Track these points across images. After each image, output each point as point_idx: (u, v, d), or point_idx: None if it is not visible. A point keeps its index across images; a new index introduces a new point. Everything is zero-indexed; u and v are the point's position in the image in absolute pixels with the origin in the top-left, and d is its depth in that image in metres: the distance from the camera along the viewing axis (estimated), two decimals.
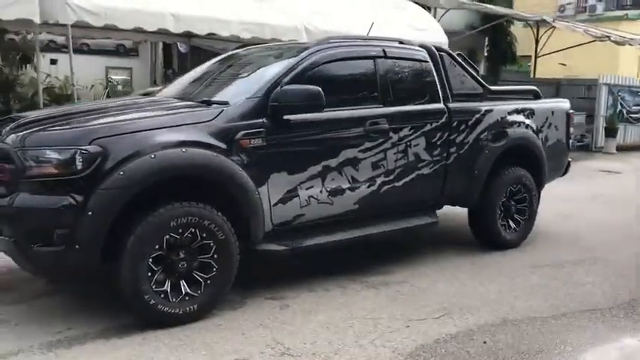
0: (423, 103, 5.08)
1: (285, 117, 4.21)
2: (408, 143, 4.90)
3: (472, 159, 5.38)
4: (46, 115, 4.03)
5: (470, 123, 5.35)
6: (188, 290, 3.82)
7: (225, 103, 4.15)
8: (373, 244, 5.76)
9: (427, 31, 12.77)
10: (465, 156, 5.32)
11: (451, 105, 5.25)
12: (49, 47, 13.47)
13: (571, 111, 6.36)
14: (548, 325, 3.98)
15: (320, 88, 4.17)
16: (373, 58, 4.84)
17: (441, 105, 5.17)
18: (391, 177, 4.82)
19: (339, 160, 4.49)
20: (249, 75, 4.67)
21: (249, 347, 3.53)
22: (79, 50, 15.35)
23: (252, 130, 4.06)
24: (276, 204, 4.21)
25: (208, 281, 3.88)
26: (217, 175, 3.87)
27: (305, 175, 4.33)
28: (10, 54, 12.02)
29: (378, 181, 4.75)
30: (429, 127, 5.03)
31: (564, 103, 6.41)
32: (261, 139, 4.08)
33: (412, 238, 5.97)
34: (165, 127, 3.80)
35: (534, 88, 6.26)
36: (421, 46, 5.34)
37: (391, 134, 4.78)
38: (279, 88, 4.19)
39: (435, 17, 17.73)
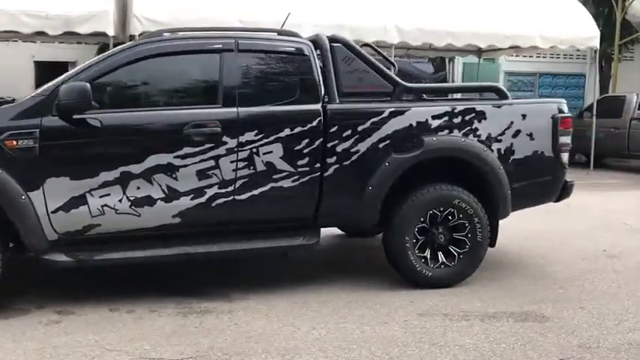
0: (287, 104, 4.26)
1: (78, 116, 3.90)
2: (255, 150, 4.15)
3: (364, 172, 4.35)
4: None
5: (362, 128, 4.33)
6: None
7: (13, 102, 4.00)
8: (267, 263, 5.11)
9: (567, 19, 11.13)
10: (353, 168, 4.33)
11: (333, 106, 4.33)
12: None
13: (563, 115, 4.74)
14: None
15: (86, 85, 3.79)
16: (219, 52, 4.20)
17: (314, 106, 4.28)
18: (229, 189, 4.14)
19: (145, 167, 3.99)
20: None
21: None
22: None
23: (22, 131, 3.83)
24: (55, 211, 3.90)
25: None
26: None
27: (96, 182, 3.94)
28: None
29: (209, 192, 4.11)
30: (288, 131, 4.20)
31: (550, 104, 4.82)
32: (32, 140, 3.83)
33: (323, 263, 5.16)
34: None
35: (496, 85, 4.82)
36: (311, 38, 4.50)
37: (226, 139, 4.10)
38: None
39: (618, 5, 15.27)
